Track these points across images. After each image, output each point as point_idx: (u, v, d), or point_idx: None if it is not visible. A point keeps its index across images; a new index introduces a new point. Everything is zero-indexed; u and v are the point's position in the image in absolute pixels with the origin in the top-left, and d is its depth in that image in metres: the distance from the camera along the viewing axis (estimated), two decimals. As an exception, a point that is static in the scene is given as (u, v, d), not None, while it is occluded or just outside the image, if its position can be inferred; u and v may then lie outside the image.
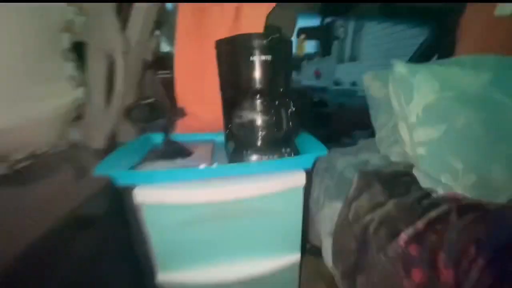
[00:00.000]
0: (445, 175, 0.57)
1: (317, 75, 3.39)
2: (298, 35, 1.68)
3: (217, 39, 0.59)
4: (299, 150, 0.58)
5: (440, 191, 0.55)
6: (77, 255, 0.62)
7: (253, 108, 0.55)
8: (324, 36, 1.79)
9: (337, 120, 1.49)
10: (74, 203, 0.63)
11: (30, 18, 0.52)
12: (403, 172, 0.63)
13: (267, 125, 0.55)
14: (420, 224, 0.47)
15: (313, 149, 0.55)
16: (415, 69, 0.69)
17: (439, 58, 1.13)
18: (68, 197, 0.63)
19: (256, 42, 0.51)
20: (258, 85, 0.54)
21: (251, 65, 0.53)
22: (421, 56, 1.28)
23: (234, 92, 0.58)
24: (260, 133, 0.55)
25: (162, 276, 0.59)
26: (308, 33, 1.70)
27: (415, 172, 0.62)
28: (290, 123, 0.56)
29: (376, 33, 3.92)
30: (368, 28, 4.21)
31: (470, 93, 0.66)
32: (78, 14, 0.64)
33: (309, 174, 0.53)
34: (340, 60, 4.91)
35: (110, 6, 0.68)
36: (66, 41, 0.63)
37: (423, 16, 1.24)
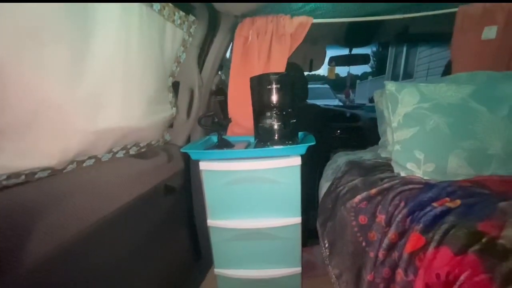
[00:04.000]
0: (410, 163, 0.75)
1: (347, 95, 3.53)
2: (330, 63, 1.96)
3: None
4: (299, 142, 0.87)
5: (403, 174, 0.74)
6: (163, 208, 1.02)
7: (270, 117, 0.89)
8: (350, 63, 2.03)
9: (367, 131, 1.67)
10: (165, 176, 1.06)
11: (161, 71, 0.99)
12: (382, 163, 0.83)
13: (278, 127, 0.87)
14: (373, 190, 0.69)
15: (306, 142, 0.83)
16: (402, 86, 0.90)
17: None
18: (161, 172, 1.05)
19: (271, 78, 0.86)
20: (273, 103, 0.88)
21: (268, 91, 0.87)
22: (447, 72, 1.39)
23: (260, 107, 0.93)
24: (274, 132, 0.87)
25: (210, 222, 0.93)
26: (337, 60, 1.97)
27: (392, 163, 0.82)
28: (292, 126, 0.86)
29: (423, 52, 3.78)
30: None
31: (444, 103, 0.83)
32: (177, 66, 1.13)
33: (303, 158, 0.81)
34: (394, 78, 4.79)
35: (194, 60, 1.15)
36: (170, 81, 1.12)
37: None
